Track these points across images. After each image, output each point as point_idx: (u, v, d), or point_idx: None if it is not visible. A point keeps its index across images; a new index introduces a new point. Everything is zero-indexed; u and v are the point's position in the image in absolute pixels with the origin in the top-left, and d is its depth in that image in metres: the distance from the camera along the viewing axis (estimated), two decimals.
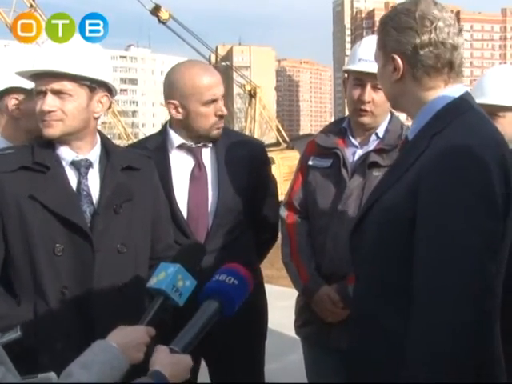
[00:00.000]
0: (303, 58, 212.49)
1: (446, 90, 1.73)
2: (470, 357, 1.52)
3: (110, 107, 2.27)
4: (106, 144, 2.24)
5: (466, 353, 1.51)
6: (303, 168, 2.80)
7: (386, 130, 2.67)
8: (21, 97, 2.44)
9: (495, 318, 1.61)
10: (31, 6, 24.31)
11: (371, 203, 1.80)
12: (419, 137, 1.73)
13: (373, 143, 2.67)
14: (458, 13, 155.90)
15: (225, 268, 1.81)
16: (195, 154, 2.63)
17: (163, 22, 25.90)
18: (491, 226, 1.54)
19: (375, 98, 2.58)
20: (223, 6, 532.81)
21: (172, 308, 1.77)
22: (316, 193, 2.70)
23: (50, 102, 2.06)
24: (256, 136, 24.77)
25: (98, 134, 2.23)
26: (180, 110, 2.57)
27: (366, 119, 2.64)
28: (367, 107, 2.59)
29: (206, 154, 2.65)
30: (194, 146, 2.63)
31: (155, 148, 2.60)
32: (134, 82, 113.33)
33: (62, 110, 2.07)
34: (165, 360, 1.56)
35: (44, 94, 2.07)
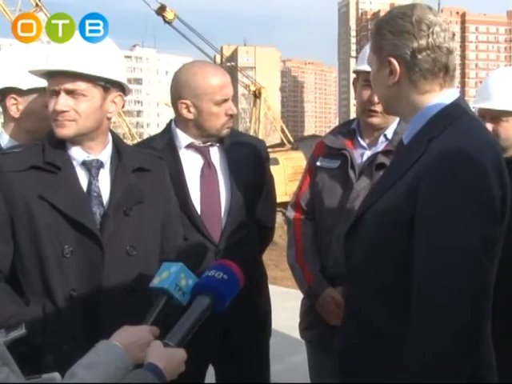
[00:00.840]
0: (308, 59, 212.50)
1: (441, 95, 1.75)
2: (467, 357, 1.54)
3: (123, 107, 2.25)
4: (118, 144, 2.23)
5: (464, 353, 1.53)
6: (311, 169, 2.81)
7: (395, 132, 2.66)
8: (19, 97, 2.43)
9: (488, 318, 1.63)
10: (36, 5, 24.32)
11: (367, 206, 1.81)
12: (415, 141, 1.75)
13: (381, 145, 2.67)
14: (463, 14, 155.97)
15: (215, 264, 1.82)
16: (204, 153, 2.64)
17: (168, 22, 25.89)
18: (489, 229, 1.57)
19: None
20: (228, 6, 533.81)
21: (176, 307, 1.76)
22: (323, 194, 2.70)
23: (63, 102, 2.04)
24: (260, 137, 24.76)
25: (110, 134, 2.22)
26: (192, 109, 2.58)
27: (375, 120, 2.64)
28: (377, 108, 2.58)
29: (215, 153, 2.67)
30: (202, 145, 2.65)
31: (163, 148, 2.59)
32: (138, 81, 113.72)
33: (76, 110, 2.06)
34: (159, 353, 1.57)
35: (57, 93, 2.06)
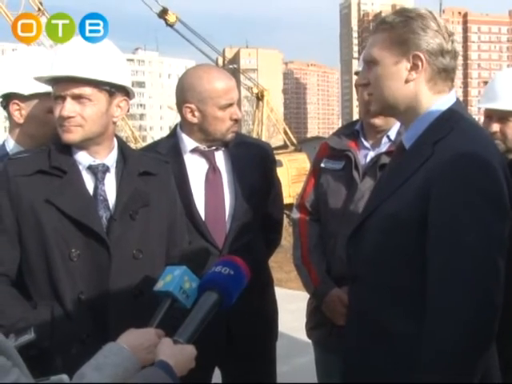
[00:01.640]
0: (310, 61, 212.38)
1: (443, 98, 1.78)
2: (483, 353, 1.58)
3: (128, 110, 2.26)
4: (123, 148, 2.24)
5: (481, 349, 1.57)
6: (315, 170, 2.82)
7: (398, 133, 2.66)
8: (21, 102, 2.44)
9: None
10: (39, 9, 24.37)
11: (372, 209, 1.83)
12: (419, 143, 1.77)
13: (384, 145, 2.67)
14: (465, 15, 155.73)
15: (221, 260, 1.84)
16: (209, 158, 2.64)
17: (170, 25, 25.88)
18: (502, 228, 1.61)
19: None
20: (230, 8, 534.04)
21: (180, 310, 1.76)
22: (327, 195, 2.71)
23: (69, 108, 2.05)
24: (263, 139, 24.73)
25: (115, 139, 2.23)
26: (196, 113, 2.58)
27: (377, 121, 2.65)
28: None
29: (220, 157, 2.66)
30: (207, 149, 2.64)
31: (167, 152, 2.59)
32: (141, 84, 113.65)
33: (82, 116, 2.06)
34: (169, 350, 1.59)
35: (63, 98, 2.06)
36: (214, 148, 2.65)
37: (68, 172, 2.08)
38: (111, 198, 2.13)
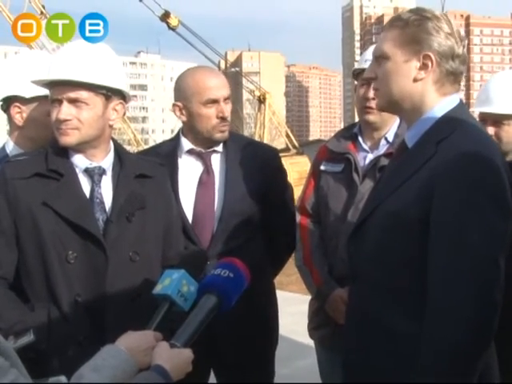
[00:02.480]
0: (312, 64, 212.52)
1: (447, 99, 1.79)
2: (482, 353, 1.59)
3: (124, 114, 2.27)
4: (120, 151, 2.25)
5: (481, 349, 1.58)
6: (315, 173, 2.83)
7: (396, 135, 2.68)
8: (22, 105, 2.46)
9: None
10: (41, 12, 24.42)
11: (373, 208, 1.83)
12: (422, 142, 1.77)
13: (383, 148, 2.68)
14: (467, 17, 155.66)
15: (221, 262, 1.83)
16: (204, 160, 2.63)
17: (173, 29, 25.91)
18: (505, 227, 1.63)
19: None
20: (232, 11, 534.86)
21: (178, 314, 1.76)
22: (328, 197, 2.72)
23: (65, 111, 2.07)
24: (265, 142, 24.76)
25: (111, 142, 2.24)
26: (184, 111, 2.59)
27: (371, 117, 2.66)
28: (372, 104, 2.58)
29: (216, 160, 2.66)
30: (203, 151, 2.64)
31: (166, 154, 2.61)
32: (143, 87, 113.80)
33: (78, 119, 2.08)
34: (165, 354, 1.59)
35: (60, 102, 2.08)
36: (210, 150, 2.64)
37: (65, 175, 2.09)
38: (108, 201, 2.14)
